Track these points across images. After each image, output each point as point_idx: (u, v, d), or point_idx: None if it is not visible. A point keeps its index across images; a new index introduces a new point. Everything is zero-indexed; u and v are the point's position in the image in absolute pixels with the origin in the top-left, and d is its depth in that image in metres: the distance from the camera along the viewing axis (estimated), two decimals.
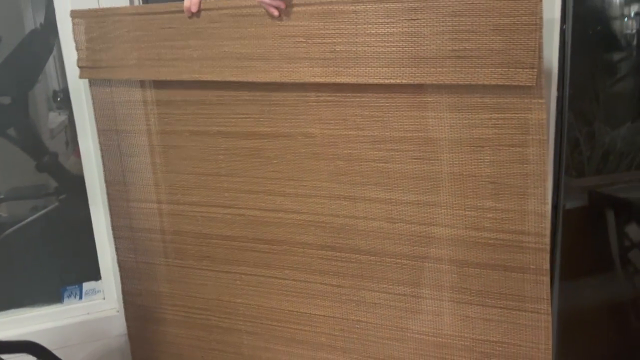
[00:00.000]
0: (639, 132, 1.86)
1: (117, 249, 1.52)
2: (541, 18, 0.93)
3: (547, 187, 1.02)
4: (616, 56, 1.88)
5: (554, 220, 1.63)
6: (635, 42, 1.88)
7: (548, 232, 1.03)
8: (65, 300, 1.77)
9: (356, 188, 1.19)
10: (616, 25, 1.88)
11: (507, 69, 0.98)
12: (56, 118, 1.69)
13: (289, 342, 1.36)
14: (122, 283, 1.55)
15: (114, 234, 1.52)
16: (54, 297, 1.76)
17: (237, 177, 1.31)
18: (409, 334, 1.22)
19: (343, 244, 1.24)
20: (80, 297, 1.77)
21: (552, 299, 1.70)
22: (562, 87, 1.55)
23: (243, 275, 1.37)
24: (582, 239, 1.81)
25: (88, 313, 1.72)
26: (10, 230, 1.81)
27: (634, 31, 1.84)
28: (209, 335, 1.45)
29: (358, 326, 1.27)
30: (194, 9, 1.17)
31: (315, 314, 1.31)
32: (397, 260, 1.19)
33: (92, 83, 1.40)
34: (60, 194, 1.80)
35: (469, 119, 1.04)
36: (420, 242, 1.15)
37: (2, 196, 1.85)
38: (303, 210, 1.26)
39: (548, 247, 1.03)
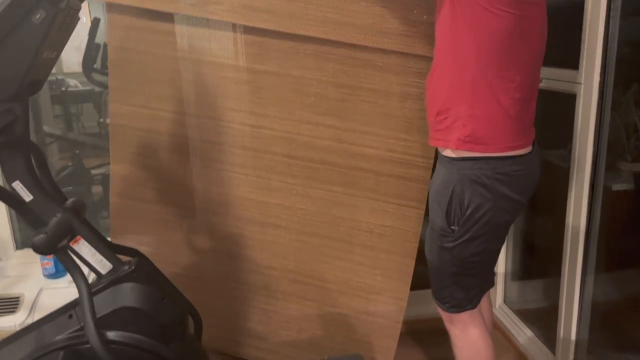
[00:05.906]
0: None
1: None
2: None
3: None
4: None
5: (590, 200, 1.70)
6: None
7: (433, 155, 1.69)
8: None
9: (319, 117, 1.79)
10: None
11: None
12: None
13: (247, 222, 1.89)
14: None
15: None
16: None
17: (232, 99, 1.87)
18: (333, 219, 1.81)
19: (302, 155, 1.81)
20: None
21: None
22: (604, 72, 1.53)
23: (223, 172, 1.89)
24: (627, 219, 1.83)
25: None
26: None
27: None
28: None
29: (300, 212, 1.84)
30: None
31: (270, 202, 1.86)
32: (337, 169, 1.79)
33: None
34: None
35: (401, 83, 1.70)
36: (356, 157, 1.77)
37: None
38: (276, 128, 1.83)
39: (431, 165, 1.69)
